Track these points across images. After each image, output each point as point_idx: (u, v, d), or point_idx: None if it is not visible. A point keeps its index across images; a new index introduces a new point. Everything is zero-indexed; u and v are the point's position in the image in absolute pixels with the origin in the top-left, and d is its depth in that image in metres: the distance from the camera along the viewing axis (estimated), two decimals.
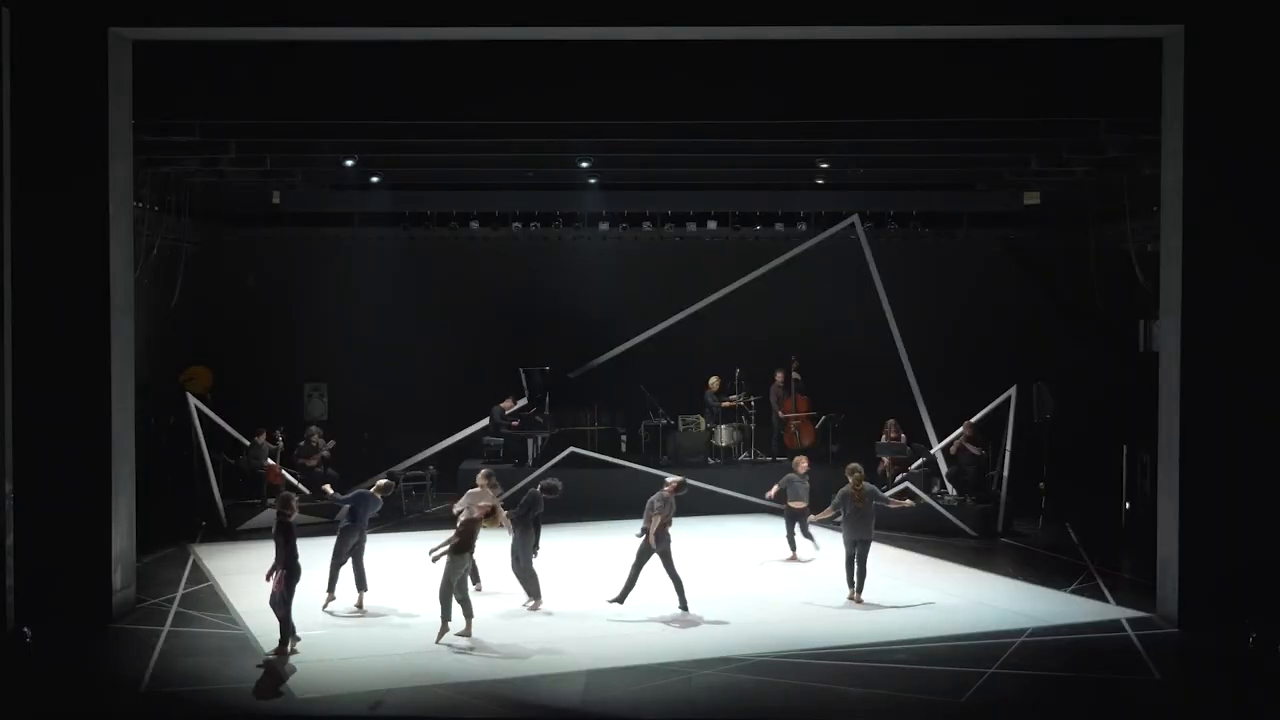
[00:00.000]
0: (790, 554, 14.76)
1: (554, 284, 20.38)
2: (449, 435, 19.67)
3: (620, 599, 12.21)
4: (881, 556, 14.59)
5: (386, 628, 11.42)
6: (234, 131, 15.68)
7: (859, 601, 12.41)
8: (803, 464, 15.03)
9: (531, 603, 12.27)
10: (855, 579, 12.49)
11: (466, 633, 11.03)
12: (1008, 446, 16.37)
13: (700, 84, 13.78)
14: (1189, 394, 11.48)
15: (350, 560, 12.29)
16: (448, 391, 19.45)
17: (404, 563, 14.57)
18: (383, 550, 15.40)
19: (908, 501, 13.32)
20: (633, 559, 12.22)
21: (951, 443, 17.07)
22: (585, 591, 12.72)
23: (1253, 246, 11.36)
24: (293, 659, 10.35)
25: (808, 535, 14.80)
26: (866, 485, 12.78)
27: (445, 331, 19.90)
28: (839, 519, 12.76)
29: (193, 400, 16.84)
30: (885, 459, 17.21)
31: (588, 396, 19.02)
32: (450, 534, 11.54)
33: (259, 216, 20.12)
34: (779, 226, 20.38)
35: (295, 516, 10.89)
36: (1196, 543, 11.46)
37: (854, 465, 12.98)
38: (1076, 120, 14.96)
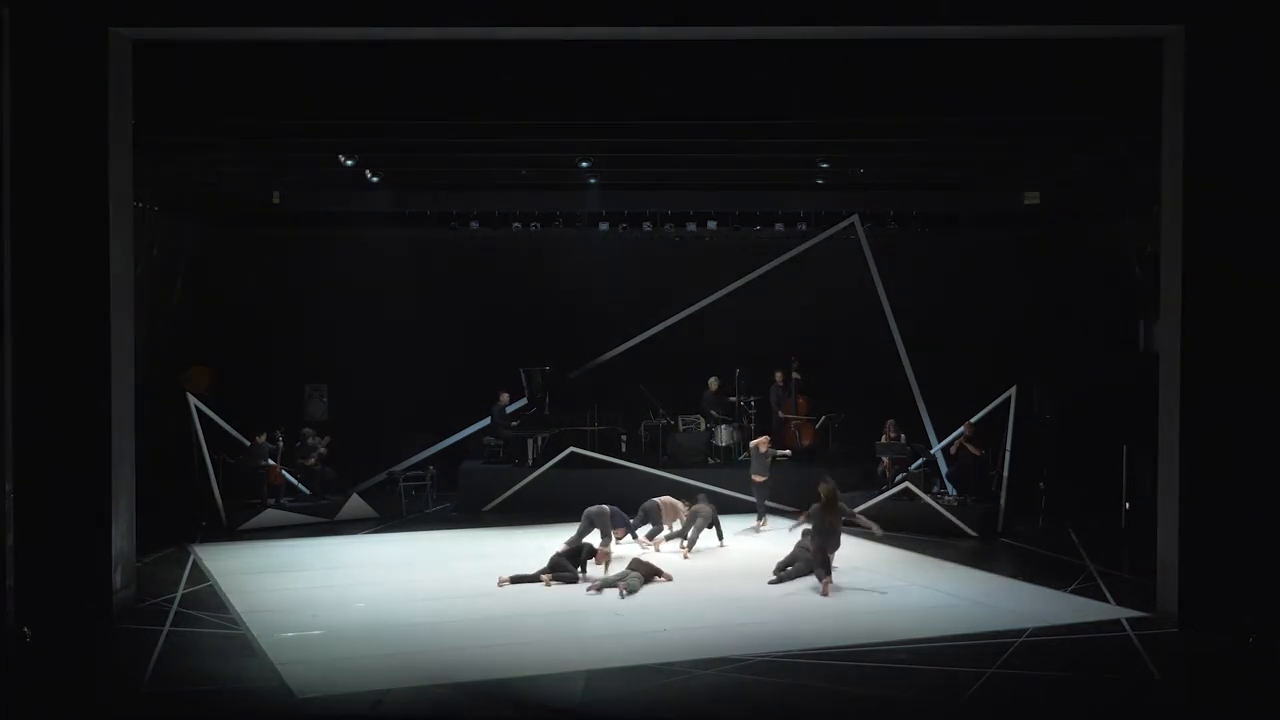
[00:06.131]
0: (758, 524, 16.58)
1: (554, 284, 20.39)
2: (449, 435, 19.72)
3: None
4: (882, 556, 14.64)
5: (386, 628, 11.41)
6: (234, 131, 15.69)
7: (824, 588, 12.62)
8: (764, 443, 16.78)
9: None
10: (824, 571, 12.76)
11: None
12: (1008, 446, 16.38)
13: (700, 84, 13.78)
14: (1189, 394, 11.46)
15: None
16: (448, 391, 19.46)
17: (404, 563, 14.60)
18: (383, 550, 15.47)
19: (875, 528, 13.44)
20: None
21: (951, 443, 17.09)
22: (583, 591, 12.72)
23: (1253, 247, 11.35)
24: (293, 660, 10.36)
25: (761, 511, 16.44)
26: (840, 505, 12.99)
27: (445, 331, 19.91)
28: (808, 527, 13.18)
29: (193, 400, 16.87)
30: (885, 459, 17.24)
31: (588, 396, 19.03)
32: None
33: (259, 216, 20.11)
34: (779, 226, 20.39)
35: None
36: (1196, 543, 11.44)
37: (826, 482, 13.17)
38: (1076, 120, 14.97)
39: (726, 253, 20.42)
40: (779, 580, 13.12)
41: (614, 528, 14.58)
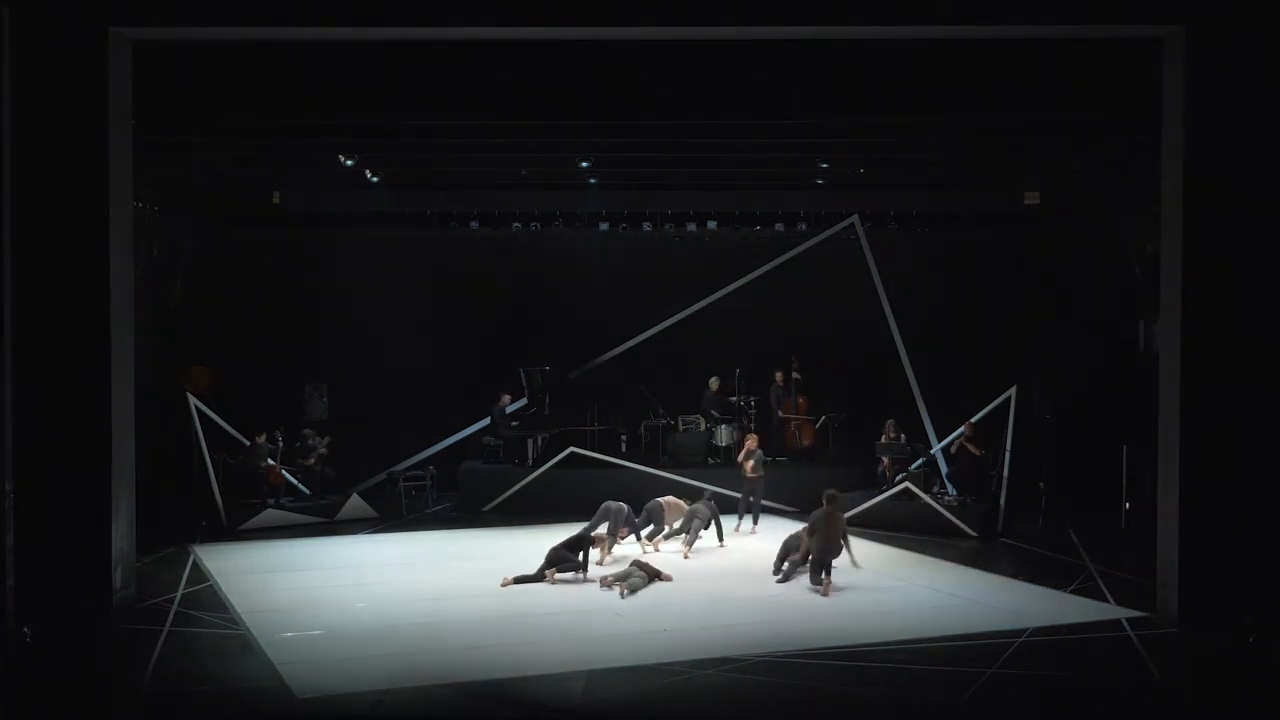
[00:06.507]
0: (753, 527, 16.38)
1: (554, 284, 20.39)
2: (449, 435, 19.71)
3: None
4: (882, 556, 14.64)
5: (386, 628, 11.41)
6: (234, 131, 15.68)
7: (819, 588, 12.64)
8: (753, 441, 16.85)
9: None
10: (823, 575, 12.76)
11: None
12: (1008, 446, 16.38)
13: (700, 84, 13.78)
14: (1189, 394, 11.46)
15: None
16: (448, 391, 19.45)
17: (404, 563, 14.61)
18: (383, 550, 15.48)
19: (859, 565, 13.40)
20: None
21: (951, 443, 17.09)
22: (585, 591, 12.73)
23: (1253, 247, 11.35)
24: (293, 660, 10.36)
25: (756, 510, 16.46)
26: (841, 517, 13.06)
27: (445, 331, 19.91)
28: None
29: (193, 400, 16.87)
30: (885, 459, 17.23)
31: (588, 396, 19.03)
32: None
33: (259, 216, 20.11)
34: (779, 226, 20.38)
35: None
36: (1196, 543, 11.45)
37: (831, 492, 13.28)
38: (1076, 120, 14.96)
39: (726, 253, 20.42)
40: (784, 578, 13.14)
41: (620, 526, 14.60)
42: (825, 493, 13.18)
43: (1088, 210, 19.12)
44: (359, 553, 15.33)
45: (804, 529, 13.26)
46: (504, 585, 12.84)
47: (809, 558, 13.00)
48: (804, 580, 13.06)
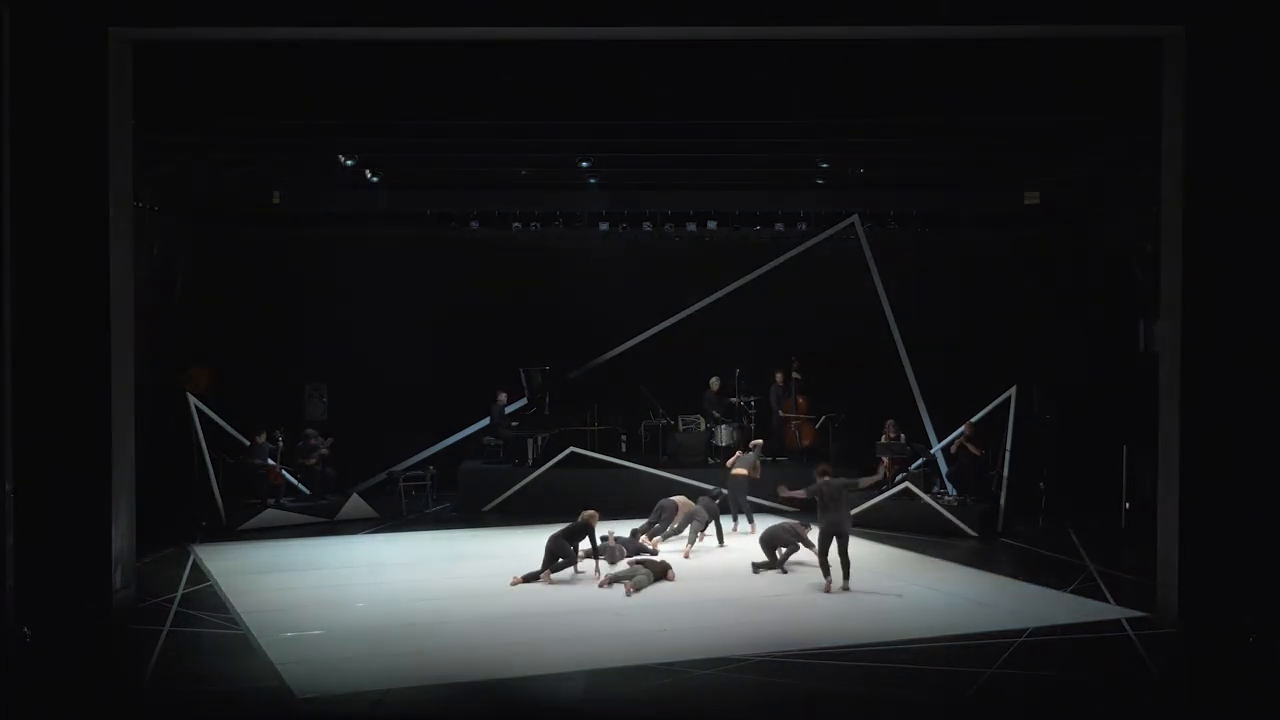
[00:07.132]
0: (750, 527, 15.95)
1: (554, 284, 20.39)
2: (449, 435, 19.71)
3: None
4: (882, 556, 14.66)
5: (386, 628, 11.41)
6: (234, 131, 15.68)
7: (846, 589, 12.56)
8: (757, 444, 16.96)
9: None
10: (841, 568, 12.66)
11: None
12: (1008, 446, 16.38)
13: (700, 84, 13.78)
14: (1189, 394, 11.46)
15: None
16: (448, 391, 19.45)
17: (404, 562, 14.61)
18: (383, 550, 15.48)
19: (875, 478, 13.43)
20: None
21: (951, 443, 17.09)
22: (585, 591, 12.73)
23: (1253, 247, 11.35)
24: (293, 660, 10.36)
25: (747, 510, 16.15)
26: (836, 480, 12.98)
27: (445, 331, 19.91)
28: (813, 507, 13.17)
29: (193, 400, 16.87)
30: (885, 459, 17.23)
31: (588, 396, 19.03)
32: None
33: (259, 216, 20.10)
34: (779, 226, 20.39)
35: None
36: (1196, 543, 11.45)
37: (823, 466, 13.36)
38: (1076, 120, 14.96)
39: (726, 253, 20.42)
40: (783, 568, 13.21)
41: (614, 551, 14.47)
42: (819, 468, 13.26)
43: (1088, 210, 19.12)
44: (359, 553, 15.33)
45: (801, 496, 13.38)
46: (513, 584, 12.86)
47: (799, 541, 13.08)
48: (803, 581, 13.07)
